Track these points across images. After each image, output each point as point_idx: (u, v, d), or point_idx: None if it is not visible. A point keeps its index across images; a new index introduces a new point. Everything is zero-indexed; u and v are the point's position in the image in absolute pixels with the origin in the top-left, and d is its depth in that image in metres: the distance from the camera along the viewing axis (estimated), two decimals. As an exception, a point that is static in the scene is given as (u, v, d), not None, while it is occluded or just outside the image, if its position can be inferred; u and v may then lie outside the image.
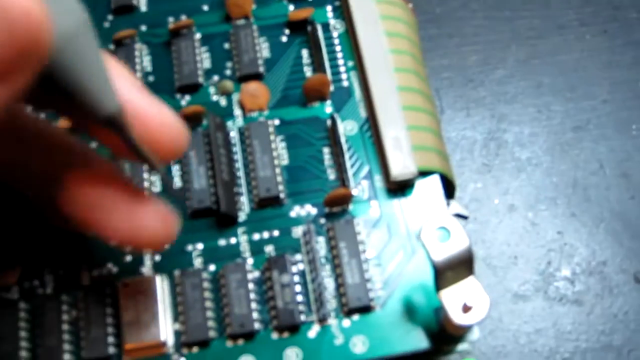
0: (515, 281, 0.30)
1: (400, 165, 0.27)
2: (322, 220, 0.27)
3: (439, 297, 0.24)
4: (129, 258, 0.27)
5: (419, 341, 0.25)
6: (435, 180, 0.28)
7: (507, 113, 0.33)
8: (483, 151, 0.32)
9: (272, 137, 0.28)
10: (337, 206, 0.27)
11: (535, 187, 0.32)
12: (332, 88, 0.29)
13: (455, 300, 0.24)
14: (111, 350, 0.26)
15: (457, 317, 0.24)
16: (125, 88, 0.20)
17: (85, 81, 0.17)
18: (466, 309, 0.24)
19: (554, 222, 0.31)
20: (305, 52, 0.30)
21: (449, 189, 0.29)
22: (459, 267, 0.24)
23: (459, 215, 0.31)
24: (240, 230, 0.27)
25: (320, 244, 0.27)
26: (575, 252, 0.31)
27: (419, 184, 0.28)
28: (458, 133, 0.33)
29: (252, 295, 0.26)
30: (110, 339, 0.26)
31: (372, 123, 0.28)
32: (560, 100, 0.33)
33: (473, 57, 0.34)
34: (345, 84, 0.30)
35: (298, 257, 0.27)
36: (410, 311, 0.26)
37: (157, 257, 0.27)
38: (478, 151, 0.32)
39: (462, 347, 0.27)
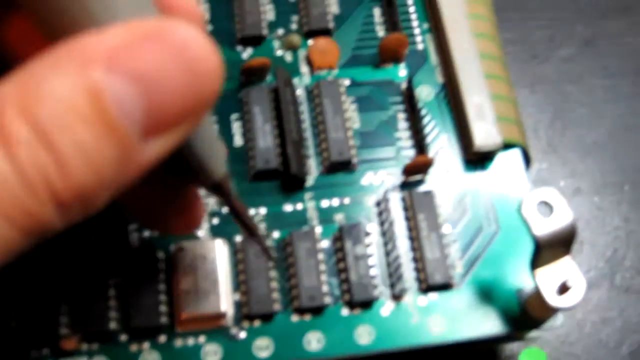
0: (581, 268, 0.29)
1: (484, 135, 0.25)
2: (398, 190, 0.25)
3: (534, 277, 0.22)
4: (184, 220, 0.25)
5: (499, 325, 0.24)
6: (516, 154, 0.26)
7: (572, 92, 0.32)
8: (549, 131, 0.31)
9: (343, 98, 0.26)
10: (416, 175, 0.25)
11: (601, 171, 0.30)
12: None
13: (551, 280, 0.22)
14: (163, 320, 0.23)
15: (552, 299, 0.22)
16: None
17: (201, 150, 0.17)
18: (563, 290, 0.22)
19: (620, 208, 0.30)
20: (377, 11, 0.28)
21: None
22: (560, 244, 0.22)
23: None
24: (307, 195, 0.25)
25: (396, 215, 0.25)
26: (642, 240, 0.29)
27: (500, 157, 0.26)
28: (523, 110, 0.31)
29: (322, 267, 0.24)
30: (163, 308, 0.23)
31: (450, 90, 0.27)
32: (627, 83, 0.32)
33: (538, 32, 0.33)
34: (420, 47, 0.28)
35: (372, 227, 0.24)
36: (490, 292, 0.24)
37: (215, 221, 0.25)
38: (543, 130, 0.31)
39: (532, 334, 0.26)
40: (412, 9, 0.28)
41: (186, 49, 0.14)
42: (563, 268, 0.22)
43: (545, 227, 0.21)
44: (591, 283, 0.29)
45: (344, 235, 0.24)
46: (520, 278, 0.24)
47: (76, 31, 0.14)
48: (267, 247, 0.22)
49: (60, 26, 0.14)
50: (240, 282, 0.24)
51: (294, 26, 0.28)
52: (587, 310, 0.28)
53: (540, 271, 0.22)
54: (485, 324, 0.24)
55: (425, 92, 0.27)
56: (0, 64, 0.19)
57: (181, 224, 0.22)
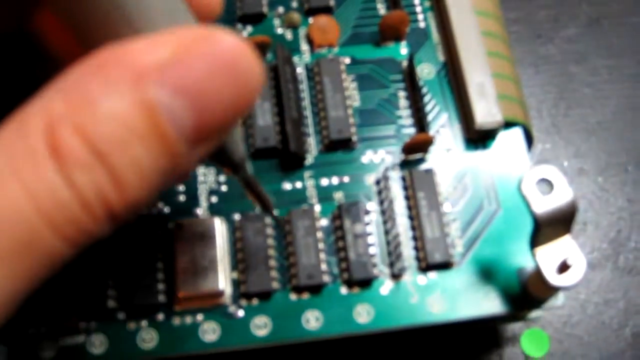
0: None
1: (486, 113, 0.25)
2: (397, 168, 0.25)
3: (534, 256, 0.22)
4: (182, 198, 0.24)
5: (499, 305, 0.23)
6: (518, 133, 0.26)
7: (577, 72, 0.31)
8: (552, 110, 0.30)
9: (343, 76, 0.26)
10: (416, 153, 0.25)
11: (605, 151, 0.30)
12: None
13: (551, 259, 0.22)
14: (161, 298, 0.23)
15: (552, 278, 0.22)
16: None
17: (229, 139, 0.18)
18: (563, 268, 0.22)
19: (623, 190, 0.30)
20: (377, -12, 0.28)
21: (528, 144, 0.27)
22: (560, 222, 0.22)
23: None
24: (306, 174, 0.25)
25: (396, 194, 0.24)
26: (646, 221, 0.29)
27: (501, 135, 0.25)
28: (527, 90, 0.30)
29: (321, 245, 0.23)
30: (161, 286, 0.23)
31: (451, 68, 0.26)
32: (632, 63, 0.32)
33: (542, 12, 0.32)
34: (421, 25, 0.27)
35: (371, 206, 0.24)
36: (490, 271, 0.24)
37: (214, 199, 0.24)
38: (547, 110, 0.30)
39: (534, 314, 0.25)
40: (413, -13, 0.28)
41: (233, 62, 0.14)
42: (563, 247, 0.22)
43: (545, 204, 0.21)
44: (594, 264, 0.28)
45: (343, 214, 0.24)
46: (521, 257, 0.24)
47: (114, 39, 0.14)
48: (280, 220, 0.23)
49: (97, 33, 0.14)
50: (238, 260, 0.23)
51: (294, 4, 0.27)
52: (590, 292, 0.28)
53: (540, 250, 0.22)
54: (486, 303, 0.23)
55: (426, 71, 0.26)
56: (31, 54, 0.19)
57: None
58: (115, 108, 0.13)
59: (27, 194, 0.13)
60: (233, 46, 0.14)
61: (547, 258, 0.22)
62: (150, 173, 0.14)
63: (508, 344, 0.27)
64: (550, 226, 0.21)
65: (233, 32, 0.14)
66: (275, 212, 0.22)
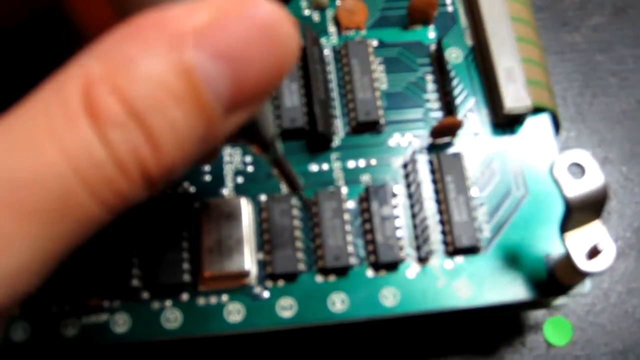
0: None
1: (514, 97, 0.25)
2: (425, 152, 0.25)
3: (563, 241, 0.22)
4: (208, 178, 0.24)
5: (525, 291, 0.23)
6: (545, 119, 0.25)
7: (602, 61, 0.31)
8: (577, 99, 0.30)
9: (371, 58, 0.25)
10: (444, 136, 0.25)
11: (630, 140, 0.30)
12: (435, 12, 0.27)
13: (580, 245, 0.22)
14: (186, 277, 0.23)
15: (582, 264, 0.22)
16: None
17: (260, 117, 0.18)
18: (594, 253, 0.22)
19: (648, 179, 0.29)
20: (405, -28, 0.28)
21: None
22: (590, 207, 0.21)
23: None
24: (333, 155, 0.25)
25: (423, 177, 0.24)
26: (670, 212, 0.29)
27: (529, 121, 0.25)
28: (552, 78, 0.30)
29: (348, 227, 0.23)
30: (186, 266, 0.23)
31: (479, 53, 0.26)
32: (658, 52, 0.31)
33: (569, 0, 0.32)
34: (449, 9, 0.27)
35: (398, 189, 0.24)
36: (517, 257, 0.24)
37: (240, 179, 0.24)
38: (572, 98, 0.30)
39: (558, 301, 0.25)
40: (441, -30, 0.28)
41: (270, 27, 0.14)
42: (593, 232, 0.22)
43: (577, 189, 0.21)
44: (618, 253, 0.28)
45: (371, 196, 0.24)
46: (548, 243, 0.24)
47: (152, 6, 0.14)
48: (308, 202, 0.23)
49: (134, 1, 0.14)
50: (264, 241, 0.23)
51: (321, -15, 0.27)
52: (614, 281, 0.28)
53: (570, 235, 0.22)
54: (512, 289, 0.23)
55: (455, 55, 0.26)
56: (64, 29, 0.19)
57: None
58: (153, 70, 0.13)
59: (64, 153, 0.12)
60: (271, 12, 0.14)
61: (577, 243, 0.22)
62: (185, 136, 0.13)
63: (531, 332, 0.27)
64: (581, 211, 0.21)
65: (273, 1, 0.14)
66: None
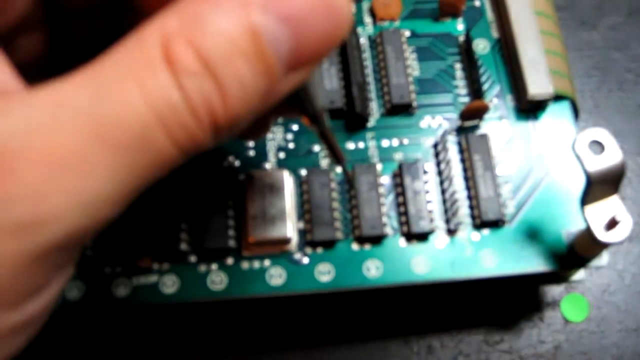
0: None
1: (538, 84, 0.26)
2: (454, 133, 0.27)
3: (583, 213, 0.23)
4: (251, 153, 0.26)
5: (547, 262, 0.25)
6: (566, 106, 0.27)
7: (618, 58, 0.33)
8: (595, 93, 0.32)
9: (404, 46, 0.27)
10: (472, 119, 0.26)
11: (645, 133, 0.32)
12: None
13: (599, 217, 0.23)
14: (231, 243, 0.25)
15: (600, 234, 0.23)
16: None
17: (309, 84, 0.19)
18: (612, 224, 0.23)
19: (661, 169, 0.31)
20: (436, -31, 0.30)
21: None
22: (609, 182, 0.23)
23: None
24: (369, 135, 0.27)
25: (452, 156, 0.26)
26: (682, 200, 0.31)
27: (551, 108, 0.27)
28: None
29: (382, 200, 0.25)
30: (231, 232, 0.25)
31: (504, 44, 0.28)
32: (673, 51, 0.33)
33: (586, 0, 0.34)
34: (477, 3, 0.29)
35: (429, 167, 0.26)
36: (539, 231, 0.25)
37: (282, 155, 0.26)
38: (589, 92, 0.32)
39: (577, 276, 0.27)
40: (470, -32, 0.30)
41: None
42: (611, 205, 0.24)
43: (597, 164, 0.23)
44: (632, 237, 0.30)
45: (404, 172, 0.25)
46: (568, 220, 0.25)
47: None
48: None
49: None
50: (304, 211, 0.25)
51: (358, -20, 0.29)
52: (628, 263, 0.29)
53: (590, 207, 0.24)
54: (534, 260, 0.25)
55: (482, 46, 0.28)
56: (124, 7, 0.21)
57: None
58: (223, 27, 0.14)
59: (145, 96, 0.14)
60: None
61: (596, 215, 0.23)
62: (250, 90, 0.15)
63: (548, 308, 0.29)
64: (600, 185, 0.23)
65: None
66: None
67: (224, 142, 0.19)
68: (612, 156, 0.23)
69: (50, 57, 0.21)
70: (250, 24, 0.14)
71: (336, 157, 0.23)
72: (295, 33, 0.15)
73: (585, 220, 0.23)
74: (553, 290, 0.29)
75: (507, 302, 0.29)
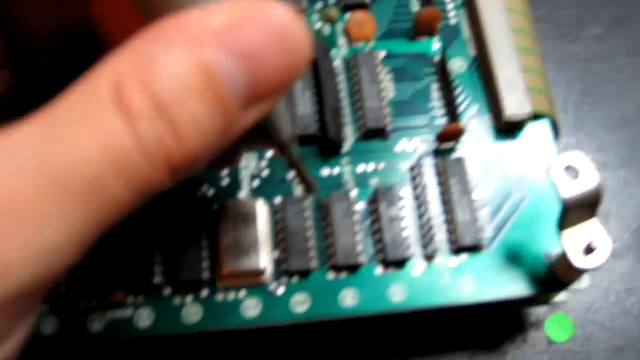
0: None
1: (515, 104, 0.26)
2: (431, 157, 0.26)
3: (561, 239, 0.23)
4: (225, 182, 0.26)
5: (526, 287, 0.24)
6: (545, 125, 0.27)
7: (601, 70, 0.32)
8: (577, 106, 0.32)
9: (379, 69, 0.27)
10: (449, 142, 0.26)
11: (628, 146, 0.31)
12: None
13: (577, 242, 0.23)
14: (206, 274, 0.24)
15: (578, 260, 0.23)
16: None
17: (275, 114, 0.19)
18: (589, 250, 0.23)
19: (646, 183, 0.31)
20: (411, -14, 0.29)
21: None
22: (586, 207, 0.23)
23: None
24: (344, 160, 0.26)
25: (429, 181, 0.26)
26: (667, 214, 0.30)
27: (530, 127, 0.27)
28: (552, 86, 0.32)
29: (358, 227, 0.25)
30: (205, 263, 0.24)
31: (481, 62, 0.27)
32: (656, 61, 0.33)
33: (567, 11, 0.33)
34: (453, 21, 0.28)
35: (405, 192, 0.26)
36: (518, 254, 0.25)
37: (256, 183, 0.26)
38: (572, 106, 0.32)
39: (559, 298, 0.26)
40: (445, -15, 0.29)
41: (285, 30, 0.15)
42: (589, 230, 0.23)
43: (573, 189, 0.22)
44: (617, 254, 0.29)
45: (380, 198, 0.25)
46: (547, 242, 0.25)
47: (175, 10, 0.15)
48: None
49: (159, 5, 0.16)
50: (279, 240, 0.25)
51: (332, 0, 0.29)
52: (613, 280, 0.29)
53: (567, 233, 0.23)
54: (513, 285, 0.25)
55: (458, 65, 0.28)
56: (87, 39, 0.20)
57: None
58: (175, 67, 0.14)
59: (96, 141, 0.14)
60: (286, 16, 0.15)
61: (574, 241, 0.23)
62: (206, 129, 0.15)
63: (532, 329, 0.28)
64: (577, 210, 0.23)
65: (286, 5, 0.16)
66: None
67: (194, 175, 0.19)
68: (588, 181, 0.22)
69: (17, 94, 0.21)
70: (202, 61, 0.14)
71: (307, 185, 0.22)
72: (251, 68, 0.15)
73: (563, 246, 0.23)
74: (537, 311, 0.29)
75: (491, 324, 0.28)
